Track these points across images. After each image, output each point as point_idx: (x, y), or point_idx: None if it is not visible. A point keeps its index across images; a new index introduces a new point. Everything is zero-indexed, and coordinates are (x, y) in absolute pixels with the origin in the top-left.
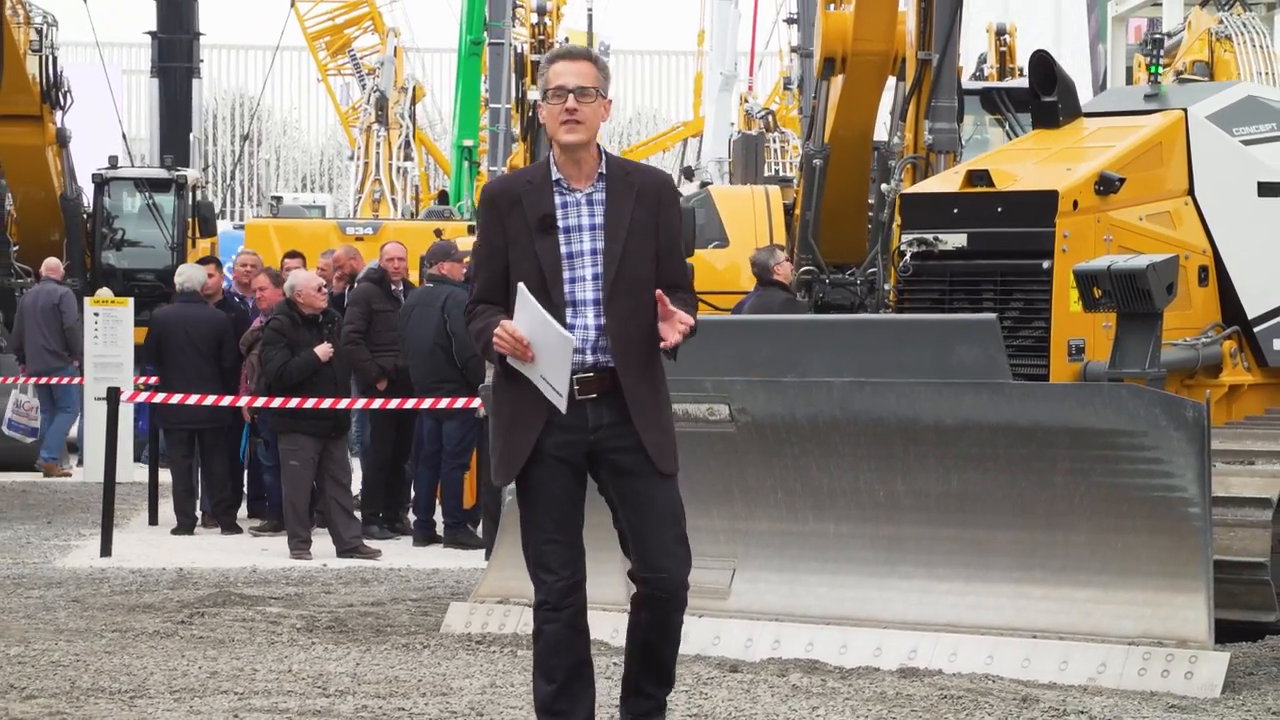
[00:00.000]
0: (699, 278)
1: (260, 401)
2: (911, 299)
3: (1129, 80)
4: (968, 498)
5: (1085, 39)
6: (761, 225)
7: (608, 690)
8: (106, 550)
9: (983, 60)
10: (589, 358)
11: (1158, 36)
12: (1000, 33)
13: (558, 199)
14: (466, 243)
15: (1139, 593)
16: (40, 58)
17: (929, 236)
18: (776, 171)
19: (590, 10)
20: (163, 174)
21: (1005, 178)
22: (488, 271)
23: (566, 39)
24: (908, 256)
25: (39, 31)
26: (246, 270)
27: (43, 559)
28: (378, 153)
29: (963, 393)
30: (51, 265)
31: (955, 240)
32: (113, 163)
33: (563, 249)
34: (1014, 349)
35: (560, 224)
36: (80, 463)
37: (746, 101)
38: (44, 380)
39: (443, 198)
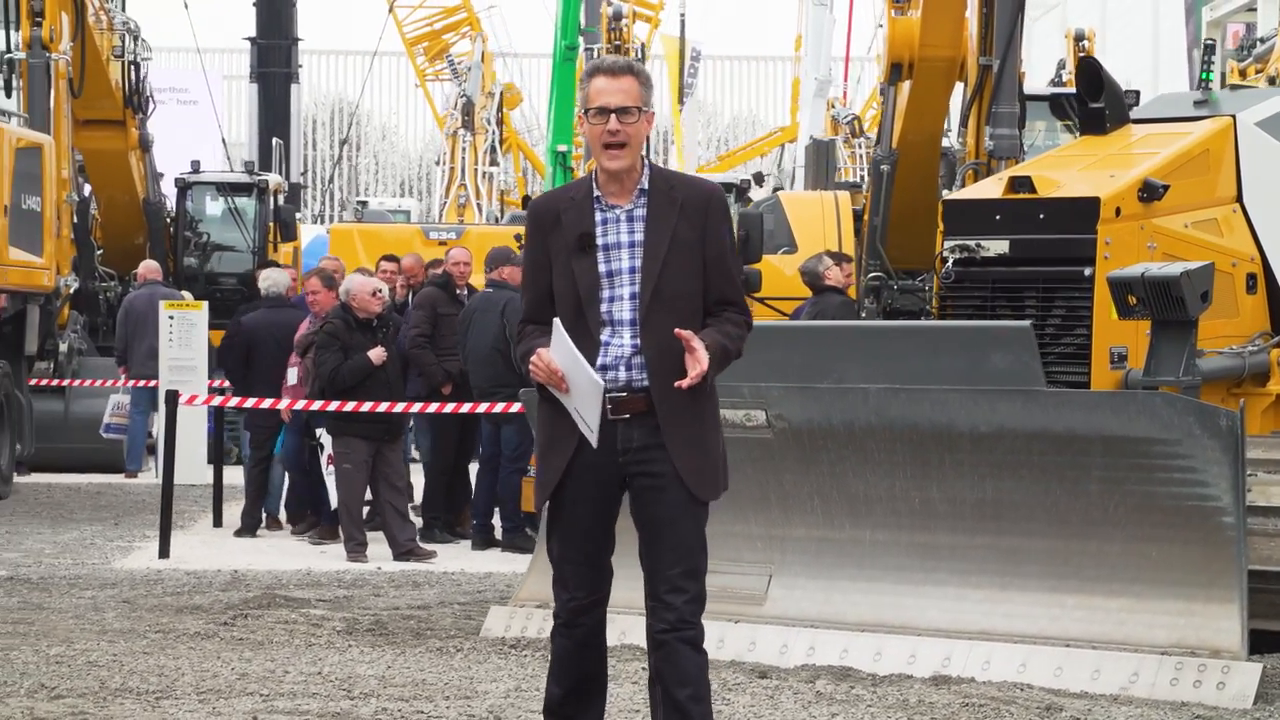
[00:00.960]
0: (767, 283)
1: (316, 405)
2: (954, 305)
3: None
4: (1002, 505)
5: (1183, 44)
6: (830, 231)
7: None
8: (165, 552)
9: (1061, 66)
10: (623, 375)
11: (1209, 43)
12: (1079, 38)
13: (598, 216)
14: None
15: (1172, 602)
16: (122, 64)
17: (971, 243)
18: (862, 178)
19: (683, 15)
20: (244, 178)
21: (1048, 184)
22: (533, 291)
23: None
24: (950, 263)
25: (121, 38)
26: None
27: (103, 560)
28: (463, 158)
29: (997, 400)
30: (150, 268)
31: (997, 247)
32: (195, 167)
33: (601, 267)
34: (1056, 356)
35: (600, 241)
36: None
37: (833, 107)
38: (147, 383)
39: (526, 203)
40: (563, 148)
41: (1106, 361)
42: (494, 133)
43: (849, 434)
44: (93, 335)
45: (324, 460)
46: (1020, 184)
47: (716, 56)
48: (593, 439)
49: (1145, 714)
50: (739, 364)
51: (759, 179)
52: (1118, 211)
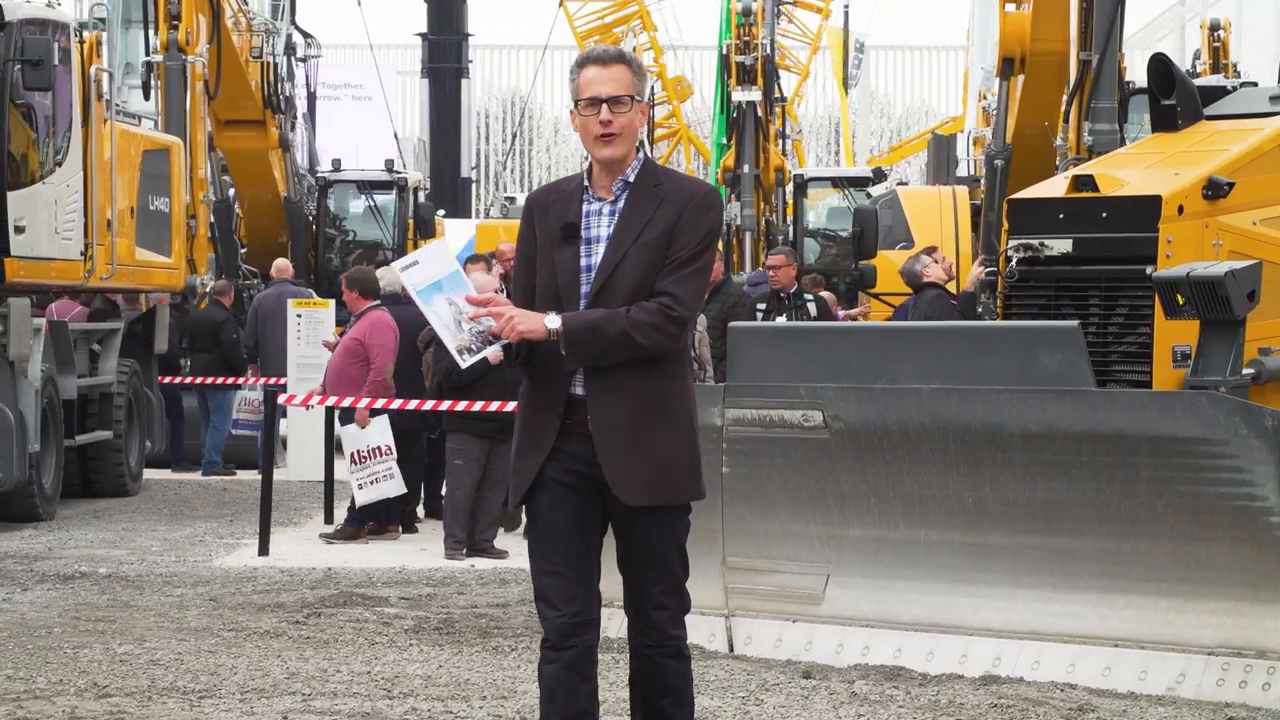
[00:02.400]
0: (882, 278)
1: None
2: (1018, 305)
3: None
4: (1053, 505)
5: None
6: (948, 226)
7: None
8: (264, 549)
9: (1196, 56)
10: (579, 380)
11: None
12: (1214, 28)
13: (585, 208)
14: None
15: (1220, 602)
16: (261, 64)
17: (1035, 242)
18: None
19: (846, 7)
20: (384, 176)
21: (1112, 182)
22: (522, 282)
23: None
24: (1014, 262)
25: (260, 38)
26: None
27: (204, 558)
28: None
29: (1046, 400)
30: (281, 266)
31: (1061, 246)
32: (336, 165)
33: (582, 260)
34: (1119, 355)
35: (584, 234)
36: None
37: (984, 98)
38: (274, 380)
39: None
40: (727, 140)
41: (1169, 360)
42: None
43: (903, 434)
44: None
45: (350, 458)
46: (1083, 183)
47: (876, 47)
48: (460, 362)
49: (1181, 715)
50: (795, 364)
51: (879, 175)
52: (1180, 209)
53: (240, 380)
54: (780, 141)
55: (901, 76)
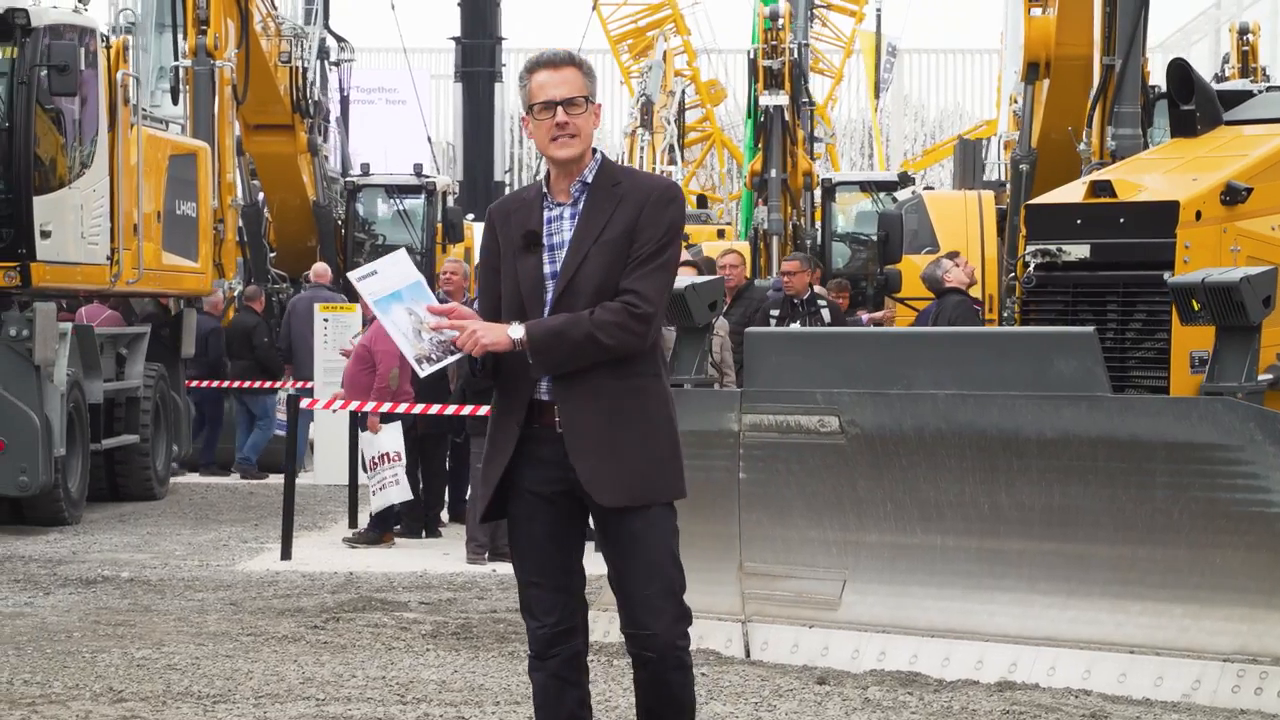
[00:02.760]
0: (908, 283)
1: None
2: (1036, 310)
3: None
4: (1069, 510)
5: None
6: (973, 230)
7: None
8: (286, 554)
9: (1225, 60)
10: (544, 384)
11: None
12: (1243, 32)
13: (545, 215)
14: (715, 247)
15: (1235, 609)
16: (290, 69)
17: (1052, 247)
18: None
19: (879, 11)
20: (412, 180)
21: (1129, 188)
22: (487, 297)
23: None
24: (1031, 268)
25: (289, 43)
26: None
27: (228, 562)
28: (641, 157)
29: (1062, 405)
30: (319, 271)
31: (1078, 251)
32: (365, 170)
33: (546, 268)
34: (1137, 361)
35: (545, 241)
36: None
37: (1015, 102)
38: (305, 384)
39: (701, 201)
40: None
41: (1187, 366)
42: (672, 131)
43: (919, 440)
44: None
45: (366, 463)
46: (1101, 188)
47: (908, 50)
48: (419, 370)
49: None
50: (810, 369)
51: (905, 180)
52: (1198, 215)
53: (276, 384)
54: (810, 145)
55: (935, 80)
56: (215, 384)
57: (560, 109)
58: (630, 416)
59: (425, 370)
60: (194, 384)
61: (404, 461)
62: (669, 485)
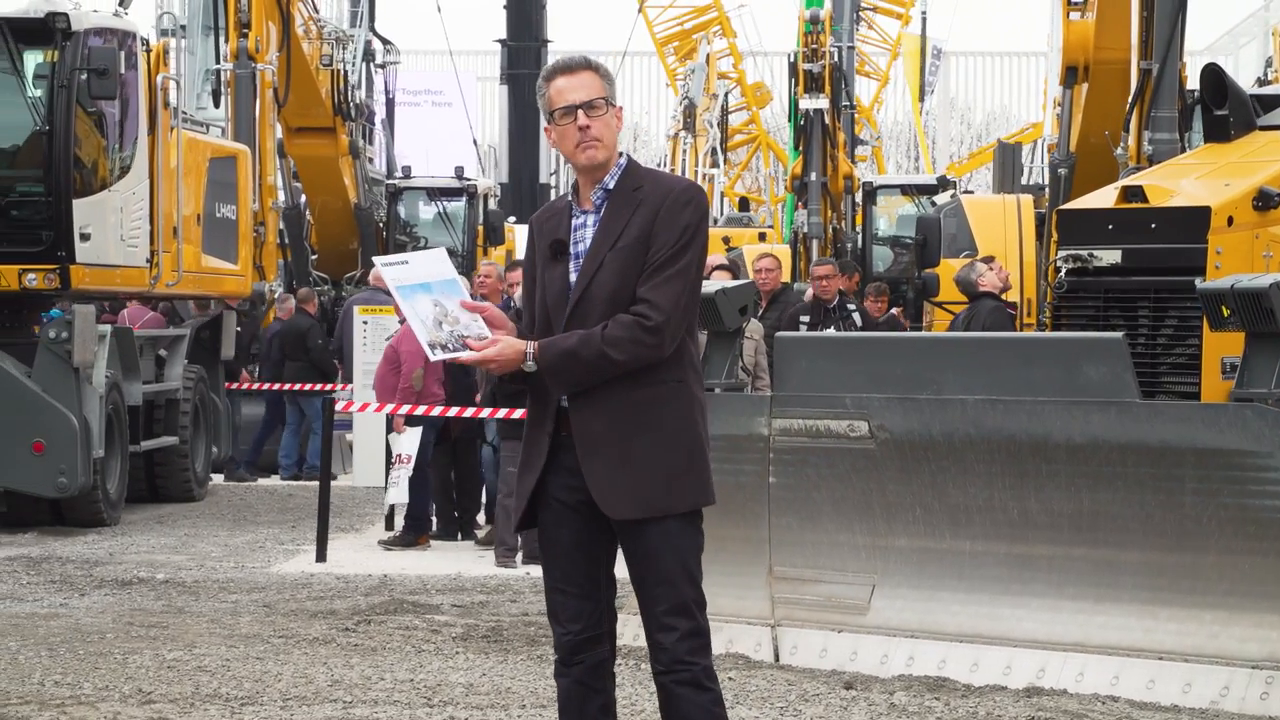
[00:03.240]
0: (945, 286)
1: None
2: (1067, 315)
3: None
4: (1098, 516)
5: None
6: (1011, 234)
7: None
8: (321, 556)
9: (1269, 64)
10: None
11: None
12: None
13: (573, 223)
14: (754, 250)
15: (1265, 615)
16: (332, 72)
17: (1084, 252)
18: None
19: (924, 14)
20: (454, 183)
21: (1161, 193)
22: (530, 304)
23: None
24: (1063, 273)
25: (330, 45)
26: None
27: (263, 564)
28: (684, 159)
29: (1091, 411)
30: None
31: (1110, 256)
32: (406, 173)
33: (572, 276)
34: (1168, 366)
35: (572, 250)
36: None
37: (1057, 106)
38: (344, 386)
39: (744, 204)
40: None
41: (1218, 372)
42: (715, 134)
43: (949, 445)
44: None
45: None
46: (1132, 193)
47: (953, 53)
48: (431, 355)
49: None
50: (840, 374)
51: (945, 183)
52: (1230, 220)
53: (331, 386)
54: (852, 149)
55: (982, 82)
56: (269, 386)
57: (581, 112)
58: (643, 425)
59: (436, 356)
60: (258, 386)
61: (412, 464)
62: (685, 495)
